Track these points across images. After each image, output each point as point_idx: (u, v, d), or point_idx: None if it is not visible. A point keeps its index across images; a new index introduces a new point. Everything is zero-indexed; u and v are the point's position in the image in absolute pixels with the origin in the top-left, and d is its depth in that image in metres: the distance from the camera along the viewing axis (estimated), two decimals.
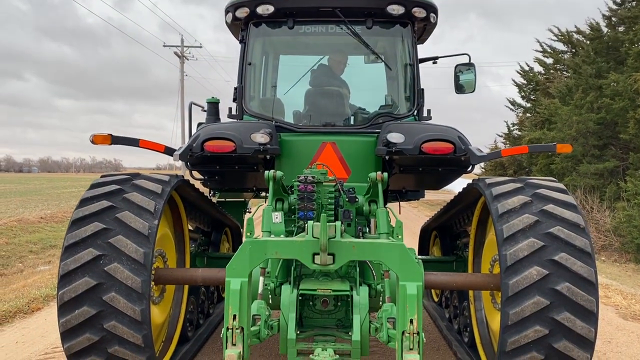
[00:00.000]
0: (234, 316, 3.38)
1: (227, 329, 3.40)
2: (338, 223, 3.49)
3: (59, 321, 3.96)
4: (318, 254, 3.42)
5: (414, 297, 3.33)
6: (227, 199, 7.88)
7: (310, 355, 3.79)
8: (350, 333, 4.12)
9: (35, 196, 35.52)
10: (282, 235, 4.28)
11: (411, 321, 3.31)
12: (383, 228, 4.62)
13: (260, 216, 4.72)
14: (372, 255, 3.63)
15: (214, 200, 7.34)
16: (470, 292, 5.56)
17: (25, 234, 17.67)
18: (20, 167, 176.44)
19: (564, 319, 3.82)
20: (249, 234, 3.76)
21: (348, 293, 4.25)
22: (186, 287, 5.61)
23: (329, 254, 3.40)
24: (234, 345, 3.40)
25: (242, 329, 3.41)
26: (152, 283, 4.62)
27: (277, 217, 4.64)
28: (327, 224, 3.36)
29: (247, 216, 8.40)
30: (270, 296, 4.46)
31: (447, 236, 7.08)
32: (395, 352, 3.48)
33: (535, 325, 3.87)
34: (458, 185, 6.81)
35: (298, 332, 4.14)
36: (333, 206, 4.89)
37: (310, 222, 3.49)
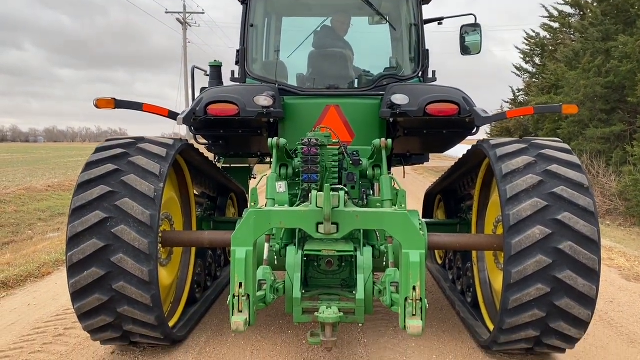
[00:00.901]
0: (240, 284, 3.45)
1: (234, 296, 3.47)
2: (342, 193, 3.52)
3: (69, 282, 4.04)
4: (322, 223, 3.46)
5: (417, 264, 3.38)
6: (232, 165, 7.91)
7: (315, 313, 3.87)
8: (354, 292, 4.19)
9: (42, 165, 35.72)
10: (286, 205, 4.31)
11: (414, 288, 3.36)
12: (387, 195, 4.63)
13: (265, 185, 4.75)
14: (376, 225, 3.66)
15: (219, 166, 7.37)
16: (474, 253, 5.62)
17: (33, 202, 17.84)
18: (27, 137, 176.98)
19: (565, 277, 3.87)
20: (253, 204, 3.79)
21: (352, 254, 4.30)
22: (193, 250, 5.70)
23: (332, 224, 3.45)
24: (240, 312, 3.48)
25: (248, 296, 3.48)
26: (160, 245, 4.70)
27: (281, 186, 4.67)
28: (331, 193, 3.40)
29: (252, 182, 8.46)
30: (275, 258, 4.52)
31: (451, 199, 7.10)
32: (399, 317, 3.54)
33: (537, 284, 3.92)
34: (462, 152, 6.79)
35: (303, 291, 4.21)
36: (337, 169, 4.90)
37: (314, 192, 3.52)
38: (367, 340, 4.92)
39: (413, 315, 3.40)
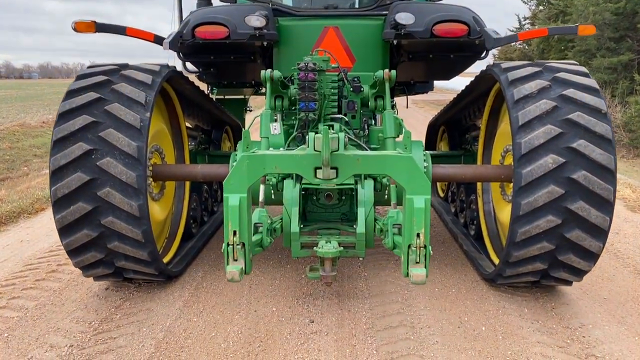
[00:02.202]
0: (234, 232, 3.24)
1: (228, 244, 3.27)
2: (341, 135, 3.23)
3: (55, 217, 3.85)
4: (320, 168, 3.20)
5: (421, 210, 3.14)
6: (226, 97, 7.57)
7: (314, 248, 3.70)
8: (354, 226, 4.01)
9: (36, 101, 35.10)
10: (281, 149, 3.98)
11: (418, 235, 3.15)
12: (390, 132, 4.33)
13: (258, 125, 4.46)
14: (378, 169, 3.38)
15: (213, 97, 7.05)
16: (479, 185, 5.41)
17: (28, 138, 17.55)
18: (21, 73, 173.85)
19: (578, 208, 3.67)
20: (246, 147, 3.50)
21: (352, 187, 4.09)
22: (187, 184, 5.49)
23: (331, 168, 3.19)
24: (236, 260, 3.29)
25: (243, 244, 3.29)
26: (151, 179, 4.48)
27: (276, 128, 4.36)
28: (330, 136, 3.11)
29: (247, 116, 8.13)
30: (272, 191, 4.32)
31: (455, 130, 6.83)
32: (401, 263, 3.37)
33: (548, 215, 3.73)
34: (463, 84, 6.45)
35: (301, 226, 4.03)
36: (336, 97, 4.59)
37: (311, 134, 3.23)
38: (368, 273, 4.80)
39: (416, 262, 3.20)
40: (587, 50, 18.25)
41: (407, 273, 3.26)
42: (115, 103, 3.91)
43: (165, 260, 4.69)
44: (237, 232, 3.22)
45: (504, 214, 4.64)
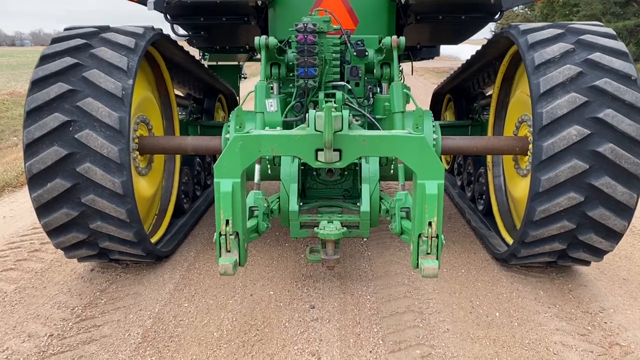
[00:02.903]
0: (227, 221, 2.89)
1: (220, 234, 2.92)
2: (345, 112, 2.85)
3: (31, 195, 3.53)
4: (322, 150, 2.84)
5: (434, 197, 2.80)
6: (219, 63, 7.17)
7: (315, 229, 3.38)
8: (358, 204, 3.69)
9: (27, 69, 34.24)
10: (278, 128, 3.50)
11: (430, 224, 2.81)
12: (398, 106, 3.93)
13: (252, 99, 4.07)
14: (387, 151, 2.98)
15: (204, 64, 6.64)
16: (489, 158, 5.09)
17: (18, 107, 17.01)
18: (12, 40, 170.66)
19: (603, 184, 3.35)
20: (239, 126, 3.11)
21: (356, 161, 3.75)
22: (178, 157, 5.14)
23: (334, 150, 2.83)
24: (229, 252, 2.94)
25: (237, 233, 2.94)
26: (137, 153, 4.15)
27: (272, 104, 3.92)
28: (333, 114, 2.74)
29: (242, 83, 7.73)
30: (269, 166, 3.98)
31: (462, 99, 6.46)
32: (410, 254, 3.06)
33: (570, 192, 3.42)
34: (467, 52, 6.05)
35: (301, 204, 3.71)
36: (338, 62, 4.20)
37: (311, 112, 2.85)
38: (371, 253, 4.51)
39: (427, 253, 2.87)
40: (593, 15, 17.74)
41: (417, 264, 2.94)
42: (95, 69, 3.53)
43: (154, 239, 4.39)
44: (230, 221, 2.88)
45: (518, 189, 4.33)
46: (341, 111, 2.84)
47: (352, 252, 4.51)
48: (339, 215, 3.66)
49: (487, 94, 5.95)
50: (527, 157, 4.12)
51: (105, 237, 3.74)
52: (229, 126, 4.30)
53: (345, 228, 3.38)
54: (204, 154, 5.48)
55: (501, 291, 3.84)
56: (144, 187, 4.29)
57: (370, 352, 3.09)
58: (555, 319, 3.48)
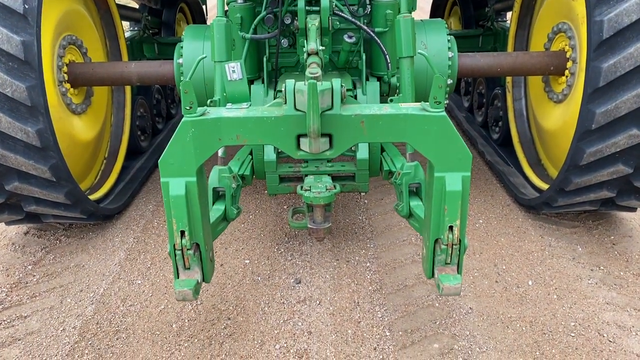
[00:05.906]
0: (182, 232, 2.03)
1: (174, 249, 2.08)
2: (336, 83, 1.91)
3: None
4: (305, 135, 1.93)
5: (457, 195, 1.95)
6: None
7: (299, 188, 2.52)
8: (353, 148, 2.84)
9: None
10: (245, 105, 2.37)
11: (451, 228, 1.98)
12: (407, 49, 2.87)
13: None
14: (393, 135, 2.01)
15: None
16: (508, 77, 4.19)
17: None
18: None
19: None
20: (188, 107, 2.09)
21: (351, 93, 2.87)
22: (128, 86, 4.19)
23: (323, 136, 1.93)
24: (188, 269, 2.12)
25: (197, 245, 2.10)
26: (67, 86, 3.22)
27: (235, 69, 2.70)
28: (319, 88, 1.81)
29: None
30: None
31: (470, 2, 5.43)
32: (422, 261, 2.26)
33: (632, 129, 2.61)
34: None
35: (279, 150, 2.85)
36: None
37: (289, 83, 1.91)
38: (369, 200, 3.73)
39: (447, 264, 2.07)
40: None
41: (432, 274, 2.15)
42: None
43: (103, 191, 3.56)
44: (186, 232, 2.03)
45: (549, 117, 3.50)
46: (331, 82, 1.92)
47: (346, 201, 3.72)
48: (329, 165, 2.81)
49: None
50: (565, 77, 3.26)
51: (30, 199, 2.91)
52: (182, 47, 3.35)
53: (336, 185, 2.54)
54: (153, 84, 4.38)
55: (530, 248, 3.12)
56: (82, 128, 3.39)
57: (375, 349, 2.38)
58: (603, 287, 2.78)
